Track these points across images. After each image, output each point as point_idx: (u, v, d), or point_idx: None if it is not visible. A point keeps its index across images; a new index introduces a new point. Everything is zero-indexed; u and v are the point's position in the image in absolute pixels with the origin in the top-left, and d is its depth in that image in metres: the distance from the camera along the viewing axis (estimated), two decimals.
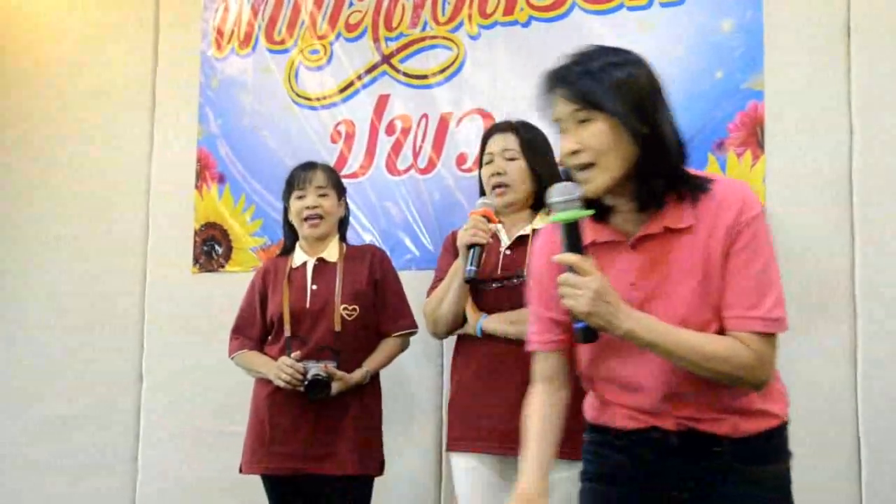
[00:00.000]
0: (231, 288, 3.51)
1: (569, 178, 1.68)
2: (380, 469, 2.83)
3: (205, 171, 3.84)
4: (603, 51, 1.70)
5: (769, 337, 1.62)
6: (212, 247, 3.80)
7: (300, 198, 2.87)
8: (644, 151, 1.62)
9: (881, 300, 2.82)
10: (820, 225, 2.77)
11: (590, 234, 1.70)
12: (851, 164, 2.86)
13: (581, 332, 1.63)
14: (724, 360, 1.60)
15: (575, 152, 1.63)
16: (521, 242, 2.62)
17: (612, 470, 1.82)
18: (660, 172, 1.64)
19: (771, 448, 1.74)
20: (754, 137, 2.90)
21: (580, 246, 1.63)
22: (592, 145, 1.62)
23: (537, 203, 2.66)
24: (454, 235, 2.74)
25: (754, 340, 1.60)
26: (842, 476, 2.81)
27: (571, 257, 1.60)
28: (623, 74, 1.64)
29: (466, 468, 2.60)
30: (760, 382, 1.64)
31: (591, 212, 1.66)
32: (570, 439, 2.46)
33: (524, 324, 2.42)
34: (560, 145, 1.68)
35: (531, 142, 2.67)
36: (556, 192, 1.65)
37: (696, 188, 1.65)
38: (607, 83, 1.62)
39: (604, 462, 1.85)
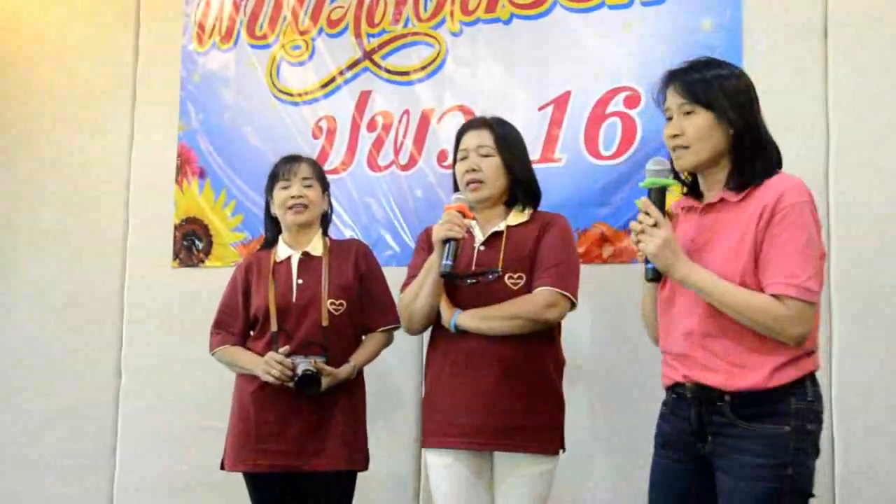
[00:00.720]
0: (211, 283, 3.48)
1: None
2: (366, 464, 2.84)
3: (185, 165, 3.84)
4: (714, 61, 2.16)
5: (805, 303, 1.93)
6: (192, 241, 3.81)
7: (285, 188, 2.85)
8: (734, 144, 2.06)
9: (855, 292, 2.82)
10: None
11: (683, 200, 2.20)
12: (828, 161, 2.88)
13: (649, 272, 2.07)
14: (763, 310, 1.93)
15: (675, 136, 2.08)
16: (495, 239, 2.62)
17: (668, 433, 2.18)
18: (746, 161, 2.05)
19: (767, 407, 1.98)
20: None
21: (663, 206, 2.05)
22: (690, 133, 2.06)
23: (511, 199, 2.68)
24: (427, 233, 2.75)
25: (790, 302, 1.92)
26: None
27: (653, 209, 2.02)
28: (725, 81, 2.08)
29: (442, 465, 2.60)
30: (795, 336, 1.94)
31: (672, 182, 2.13)
32: (544, 435, 2.55)
33: (498, 320, 2.50)
34: (665, 128, 2.12)
35: (506, 138, 2.66)
36: (652, 163, 2.10)
37: (764, 175, 2.04)
38: (712, 86, 2.06)
39: (659, 428, 2.23)
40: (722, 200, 2.07)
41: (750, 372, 1.99)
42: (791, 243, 1.95)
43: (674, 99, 2.10)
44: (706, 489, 2.07)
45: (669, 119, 2.12)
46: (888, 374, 2.78)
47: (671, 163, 2.13)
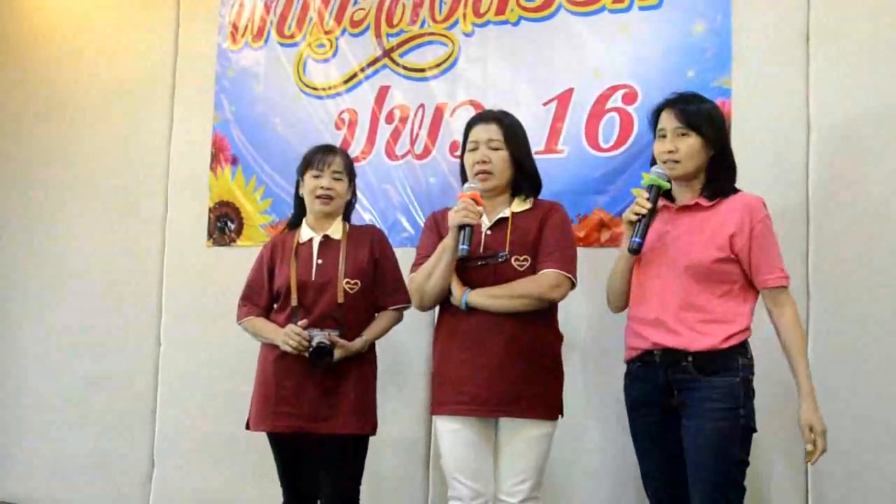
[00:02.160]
0: (241, 261, 3.45)
1: None
2: (374, 430, 2.82)
3: (219, 153, 3.84)
4: (700, 96, 2.46)
5: (785, 288, 2.34)
6: (225, 223, 3.81)
7: (316, 177, 2.83)
8: (711, 163, 2.38)
9: (831, 280, 2.83)
10: (778, 211, 2.68)
11: (665, 201, 2.43)
12: (808, 156, 2.87)
13: (633, 244, 2.34)
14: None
15: (671, 151, 2.35)
16: (501, 224, 2.61)
17: (636, 397, 2.46)
18: (719, 177, 2.38)
19: (721, 364, 2.29)
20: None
21: (656, 200, 2.36)
22: (683, 151, 2.35)
23: (515, 188, 2.67)
24: (434, 217, 2.76)
25: (782, 292, 2.33)
26: (792, 440, 2.76)
27: (645, 194, 2.35)
28: (710, 113, 2.40)
29: (450, 430, 2.59)
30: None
31: (667, 185, 2.37)
32: (545, 402, 2.56)
33: (506, 298, 2.50)
34: (658, 145, 2.40)
35: (513, 133, 2.65)
36: (656, 167, 2.38)
37: (730, 191, 2.38)
38: (702, 116, 2.37)
39: (628, 394, 2.50)
40: (696, 204, 2.39)
41: (708, 337, 2.30)
42: (766, 248, 2.33)
43: (670, 122, 2.38)
44: (674, 434, 2.35)
45: (662, 137, 2.40)
46: (857, 352, 2.78)
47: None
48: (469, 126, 2.71)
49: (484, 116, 2.72)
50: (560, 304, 2.63)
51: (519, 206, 2.64)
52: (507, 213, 2.62)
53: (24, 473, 4.16)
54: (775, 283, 2.32)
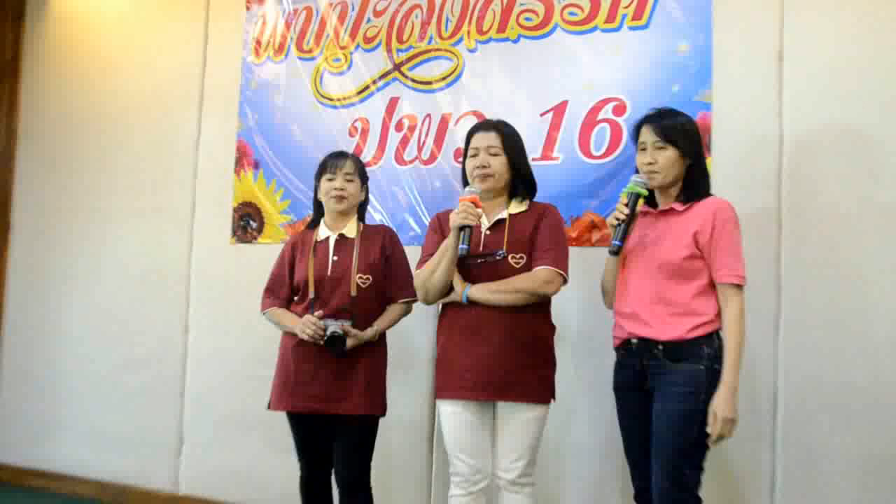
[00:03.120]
0: (263, 257, 3.49)
1: None
2: (384, 411, 2.83)
3: (243, 158, 3.85)
4: (676, 111, 2.48)
5: (737, 287, 2.32)
6: (247, 222, 3.82)
7: (330, 180, 2.83)
8: (687, 172, 2.42)
9: (800, 278, 2.82)
10: (753, 214, 2.74)
11: (647, 207, 2.47)
12: (780, 164, 2.86)
13: (614, 246, 2.40)
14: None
15: (650, 163, 2.40)
16: (499, 225, 2.61)
17: (620, 381, 2.51)
18: (693, 184, 2.42)
19: (687, 352, 2.32)
20: (703, 141, 2.90)
21: (636, 206, 2.39)
22: (661, 163, 2.40)
23: (512, 191, 2.66)
24: (438, 218, 2.74)
25: (732, 289, 2.31)
26: (761, 419, 2.84)
27: (625, 200, 2.40)
28: (686, 127, 2.43)
29: (452, 412, 2.59)
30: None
31: (645, 193, 2.41)
32: (538, 387, 2.55)
33: (504, 293, 2.49)
34: (639, 157, 2.45)
35: (510, 140, 2.64)
36: (637, 177, 2.42)
37: (704, 195, 2.41)
38: (678, 130, 2.41)
39: (615, 378, 2.53)
40: (671, 209, 2.42)
41: (675, 328, 2.34)
42: (729, 246, 2.33)
43: (650, 136, 2.42)
44: (649, 414, 2.39)
45: (643, 150, 2.44)
46: (823, 344, 2.78)
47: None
48: (470, 134, 2.69)
49: (484, 125, 2.70)
50: (553, 298, 2.62)
51: (516, 207, 2.63)
52: (504, 214, 2.61)
53: (67, 446, 4.20)
54: (727, 279, 2.30)
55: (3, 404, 4.46)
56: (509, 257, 2.55)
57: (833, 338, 2.76)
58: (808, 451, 2.78)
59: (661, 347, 2.35)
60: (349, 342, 2.70)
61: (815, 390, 2.77)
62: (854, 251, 2.75)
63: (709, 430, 2.24)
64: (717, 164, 2.90)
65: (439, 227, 2.71)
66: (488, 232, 2.61)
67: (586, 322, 3.09)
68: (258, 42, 3.87)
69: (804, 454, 2.79)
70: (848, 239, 2.76)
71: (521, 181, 2.66)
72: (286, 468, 3.26)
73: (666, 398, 2.33)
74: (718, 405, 2.24)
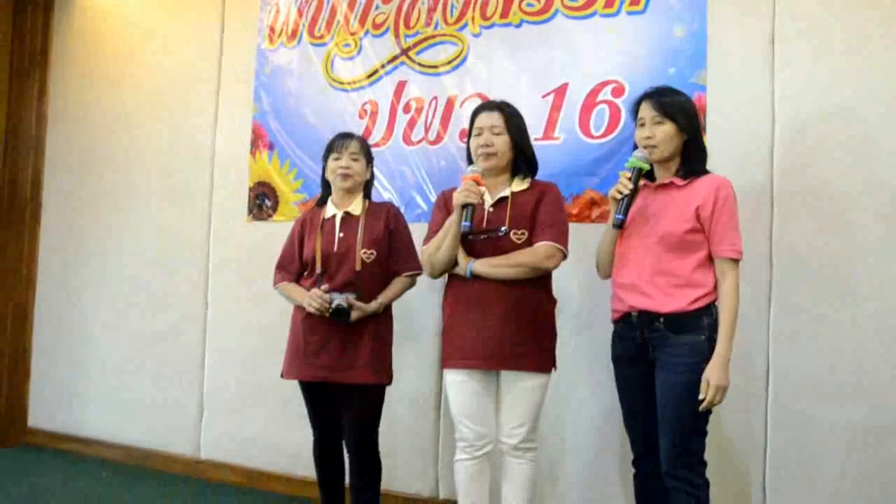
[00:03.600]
0: (277, 233, 3.52)
1: None
2: (389, 380, 2.83)
3: (258, 140, 3.85)
4: (674, 89, 2.46)
5: (734, 260, 2.32)
6: (262, 201, 3.83)
7: (336, 159, 2.84)
8: (684, 148, 2.40)
9: (792, 254, 2.82)
10: (746, 192, 2.72)
11: (646, 181, 2.46)
12: (773, 143, 2.86)
13: (617, 220, 2.40)
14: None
15: (648, 137, 2.39)
16: (502, 202, 2.61)
17: (619, 353, 2.49)
18: (691, 160, 2.40)
19: (688, 324, 2.30)
20: (698, 121, 2.91)
21: (638, 180, 2.39)
22: (659, 137, 2.39)
23: (514, 170, 2.66)
24: (444, 196, 2.74)
25: (729, 263, 2.31)
26: (753, 395, 2.85)
27: (627, 174, 2.38)
28: (684, 104, 2.41)
29: (458, 381, 2.60)
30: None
31: (647, 167, 2.40)
32: (540, 357, 2.55)
33: (506, 267, 2.49)
34: (638, 132, 2.44)
35: (513, 120, 2.64)
36: (638, 152, 2.41)
37: (702, 172, 2.40)
38: (676, 106, 2.39)
39: (613, 350, 2.52)
40: (671, 183, 2.40)
41: (677, 300, 2.32)
42: (728, 221, 2.32)
43: (648, 112, 2.41)
44: (650, 385, 2.39)
45: (642, 125, 2.43)
46: (812, 316, 2.79)
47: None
48: (475, 114, 2.69)
49: (488, 105, 2.70)
50: (554, 273, 2.63)
51: (518, 185, 2.63)
52: (507, 192, 2.61)
53: (95, 413, 4.26)
54: (725, 253, 2.30)
55: (36, 375, 4.51)
56: (511, 233, 2.56)
57: (822, 311, 2.77)
58: (799, 417, 2.79)
59: (662, 320, 2.33)
60: (353, 314, 2.71)
61: (805, 361, 2.78)
62: (843, 228, 2.76)
63: (701, 396, 2.25)
64: (712, 144, 2.87)
65: (444, 204, 2.72)
66: (491, 209, 2.61)
67: (586, 295, 3.10)
68: (272, 29, 3.86)
69: (794, 422, 2.80)
70: (836, 216, 2.76)
71: (523, 160, 2.66)
72: (300, 434, 3.36)
73: (671, 369, 2.32)
74: (711, 373, 2.24)
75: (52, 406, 4.43)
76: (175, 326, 4.02)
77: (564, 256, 2.57)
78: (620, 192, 2.38)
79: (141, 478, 3.85)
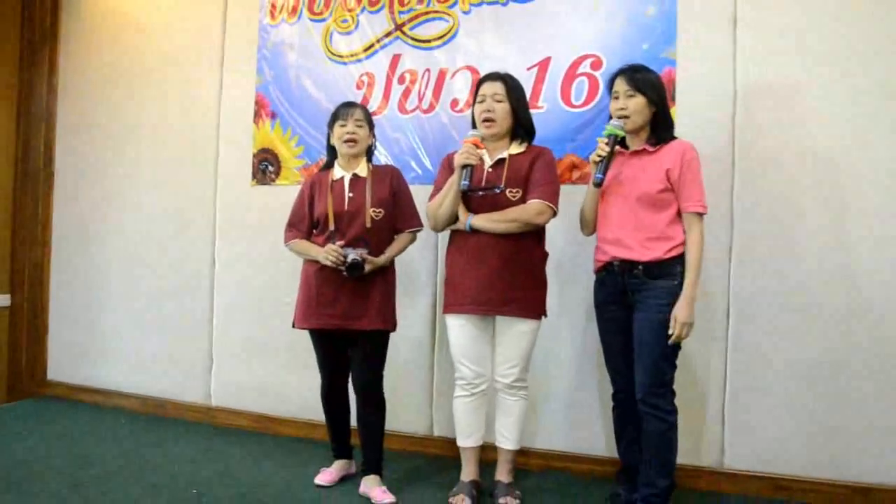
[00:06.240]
0: (280, 197, 3.61)
1: None
2: (394, 326, 2.87)
3: (261, 109, 3.83)
4: (645, 67, 2.55)
5: (698, 215, 2.43)
6: (266, 166, 3.82)
7: (342, 126, 2.85)
8: (654, 119, 2.50)
9: (751, 211, 2.88)
10: (710, 154, 2.81)
11: (621, 149, 2.55)
12: (735, 112, 2.92)
13: (597, 179, 2.47)
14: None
15: (622, 109, 2.49)
16: (500, 163, 2.66)
17: (602, 298, 2.60)
18: (660, 129, 2.50)
19: (663, 271, 2.44)
20: (668, 93, 2.77)
21: (614, 144, 2.48)
22: (631, 108, 2.50)
23: (513, 134, 2.71)
24: (449, 158, 2.77)
25: (695, 217, 2.43)
26: (716, 327, 2.93)
27: (605, 139, 2.47)
28: (653, 80, 2.51)
29: (457, 325, 2.68)
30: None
31: (622, 133, 2.50)
32: (532, 304, 2.60)
33: (502, 222, 2.54)
34: (613, 104, 2.53)
35: (514, 89, 2.68)
36: (614, 121, 2.50)
37: (669, 139, 2.50)
38: (646, 82, 2.49)
39: (596, 296, 2.63)
40: (644, 150, 2.52)
41: (654, 250, 2.44)
42: (693, 180, 2.43)
43: (622, 86, 2.52)
44: (628, 325, 2.52)
45: (616, 98, 2.53)
46: (770, 269, 2.86)
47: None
48: (479, 83, 2.72)
49: (492, 76, 2.73)
50: (546, 228, 2.69)
51: (515, 149, 2.67)
52: (505, 154, 2.66)
53: (112, 366, 4.26)
54: (692, 208, 2.42)
55: (55, 332, 4.49)
56: (507, 191, 2.61)
57: (775, 260, 2.86)
58: (755, 353, 2.88)
59: (640, 267, 2.45)
60: (366, 267, 2.74)
61: (761, 302, 2.87)
62: (793, 188, 2.84)
63: (670, 332, 2.39)
64: (680, 113, 2.95)
65: (448, 165, 2.75)
66: (490, 169, 2.66)
67: (569, 248, 3.13)
68: (273, 5, 3.83)
69: (751, 356, 2.89)
70: (795, 176, 2.83)
71: (521, 127, 2.70)
72: (302, 382, 3.45)
73: (647, 309, 2.44)
74: (679, 311, 2.38)
75: (70, 360, 4.40)
76: (185, 284, 4.01)
77: (554, 213, 2.62)
78: (599, 156, 2.48)
79: (156, 424, 3.86)
